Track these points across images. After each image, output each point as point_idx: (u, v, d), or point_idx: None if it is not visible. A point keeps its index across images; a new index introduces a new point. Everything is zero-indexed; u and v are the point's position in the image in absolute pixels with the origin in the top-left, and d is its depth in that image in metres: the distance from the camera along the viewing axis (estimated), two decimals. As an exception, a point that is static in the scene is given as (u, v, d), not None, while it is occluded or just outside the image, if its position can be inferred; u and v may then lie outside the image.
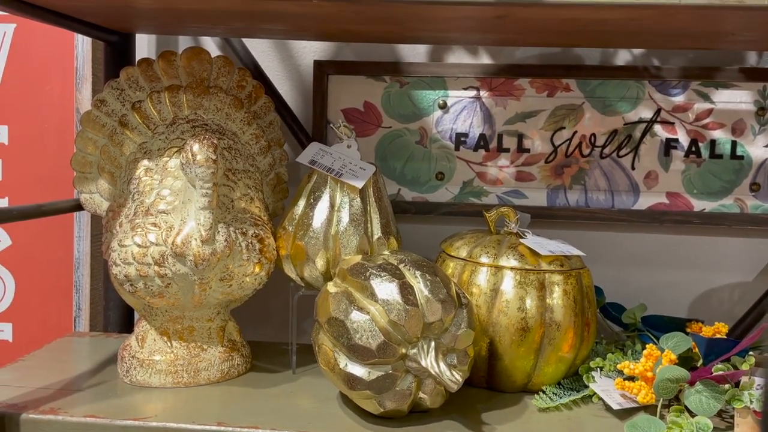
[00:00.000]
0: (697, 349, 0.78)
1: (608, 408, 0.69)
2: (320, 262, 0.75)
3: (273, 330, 0.98)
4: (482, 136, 0.95)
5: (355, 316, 0.62)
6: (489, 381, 0.75)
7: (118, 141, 0.77)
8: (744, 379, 0.68)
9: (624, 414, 0.69)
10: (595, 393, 0.71)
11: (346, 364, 0.63)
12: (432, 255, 0.82)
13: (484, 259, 0.74)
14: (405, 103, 0.95)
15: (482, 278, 0.74)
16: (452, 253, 0.78)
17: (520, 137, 0.95)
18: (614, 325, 0.91)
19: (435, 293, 0.63)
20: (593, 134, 0.94)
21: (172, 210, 0.69)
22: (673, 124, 0.93)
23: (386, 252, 0.72)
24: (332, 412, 0.68)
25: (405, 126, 0.96)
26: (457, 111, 0.95)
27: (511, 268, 0.73)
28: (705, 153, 0.93)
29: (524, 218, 0.82)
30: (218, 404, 0.69)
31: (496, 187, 0.96)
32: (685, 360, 0.77)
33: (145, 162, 0.74)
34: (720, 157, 0.93)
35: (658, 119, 0.93)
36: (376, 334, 0.61)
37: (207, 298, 0.71)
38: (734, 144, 0.92)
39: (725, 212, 0.93)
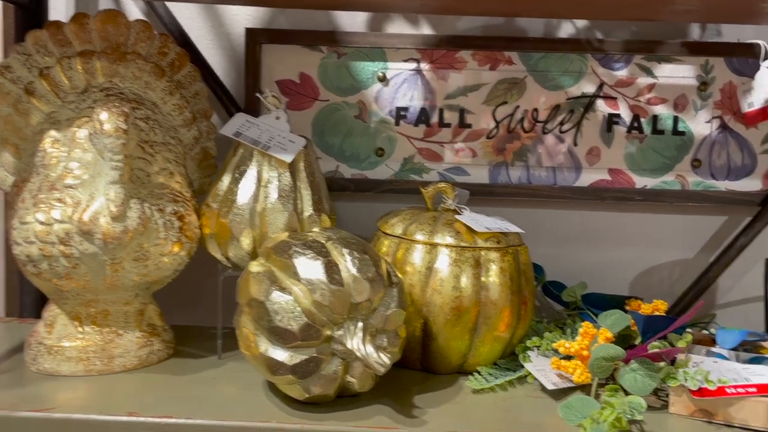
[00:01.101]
0: (635, 327, 0.77)
1: (544, 388, 0.68)
2: (246, 241, 0.71)
3: (203, 314, 0.93)
4: (423, 110, 0.92)
5: (276, 296, 0.58)
6: (424, 362, 0.72)
7: (24, 110, 0.71)
8: (680, 357, 0.67)
9: (560, 394, 0.67)
10: (530, 373, 0.69)
11: (267, 348, 0.59)
12: (371, 234, 0.78)
13: (418, 237, 0.71)
14: (343, 75, 0.91)
15: (417, 256, 0.71)
16: (387, 231, 0.75)
17: (462, 112, 0.92)
18: (555, 303, 0.89)
19: (363, 272, 0.60)
20: (535, 109, 0.91)
21: (80, 185, 0.64)
22: (615, 99, 0.91)
23: (316, 229, 0.68)
24: (256, 398, 0.64)
25: (343, 99, 0.92)
26: (397, 84, 0.91)
27: (446, 246, 0.70)
28: (647, 129, 0.92)
29: (463, 195, 0.79)
30: (133, 393, 0.64)
31: (438, 164, 0.93)
32: (623, 338, 0.76)
33: (53, 133, 0.69)
34: (662, 132, 0.92)
35: (601, 94, 0.91)
36: (299, 315, 0.58)
37: (121, 279, 0.66)
38: (676, 119, 0.91)
39: (666, 189, 0.92)
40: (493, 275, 0.70)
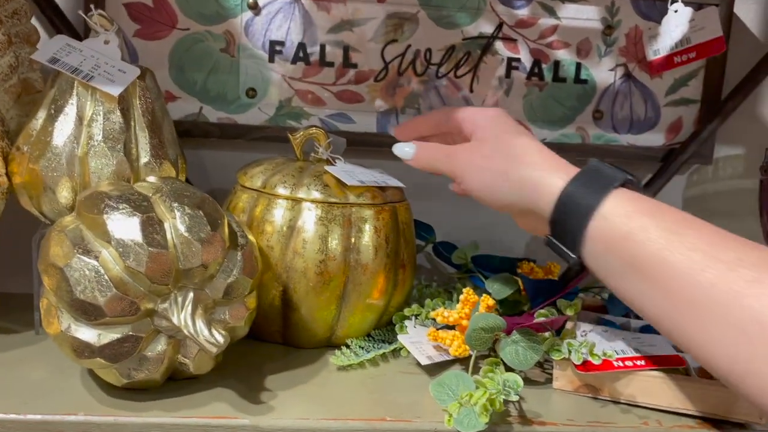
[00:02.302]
0: (525, 293, 0.70)
1: (419, 363, 0.59)
2: (63, 193, 0.58)
3: (24, 279, 0.79)
4: (302, 45, 0.80)
5: (77, 262, 0.46)
6: (285, 335, 0.62)
7: None
8: (568, 326, 0.60)
9: (437, 369, 0.59)
10: (404, 346, 0.61)
11: (69, 326, 0.47)
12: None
13: (280, 190, 0.60)
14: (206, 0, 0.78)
15: (277, 213, 0.60)
16: (246, 184, 0.63)
17: (347, 50, 0.80)
18: (448, 266, 0.81)
19: (194, 231, 0.49)
20: (429, 49, 0.81)
21: None
22: (515, 41, 0.82)
23: (151, 179, 0.56)
24: (70, 385, 0.53)
25: (207, 28, 0.78)
26: (270, 13, 0.79)
27: (312, 201, 0.60)
28: (548, 75, 0.84)
29: (338, 143, 0.69)
30: None
31: (319, 109, 0.81)
32: (512, 304, 0.69)
33: None
34: (563, 80, 0.84)
35: (500, 35, 0.82)
36: (106, 285, 0.46)
37: None
38: (579, 66, 0.84)
39: (567, 142, 0.85)
40: (366, 236, 0.60)
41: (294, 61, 0.80)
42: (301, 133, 0.66)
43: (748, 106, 0.85)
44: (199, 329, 0.47)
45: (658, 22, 0.81)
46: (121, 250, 0.46)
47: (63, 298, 0.47)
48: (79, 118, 0.58)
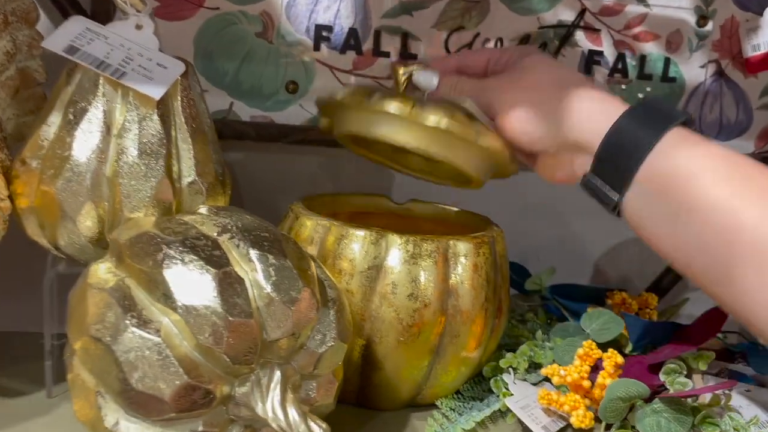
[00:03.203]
0: (626, 331, 0.59)
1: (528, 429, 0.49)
2: (87, 223, 0.45)
3: (32, 321, 0.65)
4: (353, 31, 0.67)
5: (132, 338, 0.34)
6: (361, 396, 0.51)
7: None
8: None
9: (550, 438, 0.49)
10: (509, 409, 0.50)
11: (118, 422, 0.35)
12: (279, 207, 0.54)
13: (358, 217, 0.48)
14: (240, -27, 0.64)
15: (356, 248, 0.48)
16: (310, 205, 0.51)
17: (405, 37, 0.68)
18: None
19: (283, 289, 0.36)
20: (500, 39, 0.70)
21: None
22: (598, 31, 0.71)
23: (203, 209, 0.43)
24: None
25: (240, 8, 0.65)
26: (317, -8, 0.66)
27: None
28: (632, 72, 0.73)
29: (427, 77, 0.53)
30: None
31: (370, 106, 0.69)
32: (608, 343, 0.58)
33: None
34: (649, 78, 0.73)
35: (582, 23, 0.71)
36: (174, 370, 0.34)
37: None
38: (667, 62, 0.73)
39: (649, 149, 0.75)
40: (464, 275, 0.49)
41: (343, 50, 0.67)
42: (413, 65, 0.51)
43: None
44: (294, 422, 0.35)
45: (758, 13, 0.71)
46: (192, 320, 0.34)
47: (111, 386, 0.34)
48: (107, 127, 0.45)
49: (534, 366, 0.56)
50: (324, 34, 0.66)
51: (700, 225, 0.41)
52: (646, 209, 0.44)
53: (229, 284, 0.35)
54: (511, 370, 0.54)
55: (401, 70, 0.51)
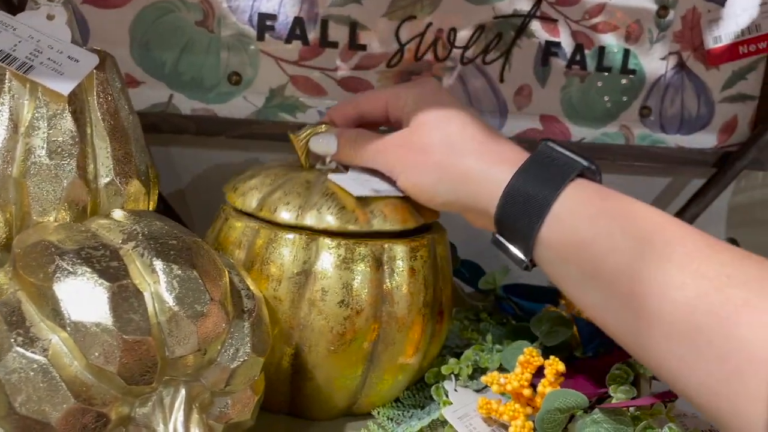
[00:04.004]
0: (577, 333, 0.58)
1: (467, 440, 0.47)
2: (-9, 229, 0.42)
3: None
4: (298, 20, 0.64)
5: (16, 357, 0.31)
6: (293, 405, 0.49)
7: None
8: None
9: (488, 448, 0.47)
10: (446, 421, 0.48)
11: (3, 447, 0.32)
12: (219, 204, 0.52)
13: (284, 215, 0.46)
14: (177, -41, 0.61)
15: (285, 252, 0.45)
16: (239, 204, 0.48)
17: (354, 26, 0.65)
18: (465, 285, 0.69)
19: (188, 302, 0.34)
20: (453, 29, 0.67)
21: None
22: (555, 21, 0.69)
23: (116, 214, 0.40)
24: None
25: (178, -4, 0.62)
26: (260, -22, 0.62)
27: (327, 233, 0.45)
28: (591, 64, 0.70)
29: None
30: None
31: (318, 99, 0.66)
32: (559, 347, 0.57)
33: None
34: (608, 70, 0.71)
35: (538, 13, 0.68)
36: (62, 393, 0.31)
37: None
38: (627, 53, 0.71)
39: (609, 143, 0.73)
40: (399, 279, 0.47)
41: (289, 40, 0.64)
42: (308, 131, 0.51)
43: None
44: (197, 445, 0.33)
45: (720, 3, 0.69)
46: (81, 339, 0.31)
47: (-7, 410, 0.32)
48: (14, 125, 0.42)
49: (480, 371, 0.54)
50: (268, 23, 0.63)
51: (604, 291, 0.39)
52: (553, 272, 0.42)
53: (125, 299, 0.33)
54: (452, 376, 0.52)
55: (297, 140, 0.51)
